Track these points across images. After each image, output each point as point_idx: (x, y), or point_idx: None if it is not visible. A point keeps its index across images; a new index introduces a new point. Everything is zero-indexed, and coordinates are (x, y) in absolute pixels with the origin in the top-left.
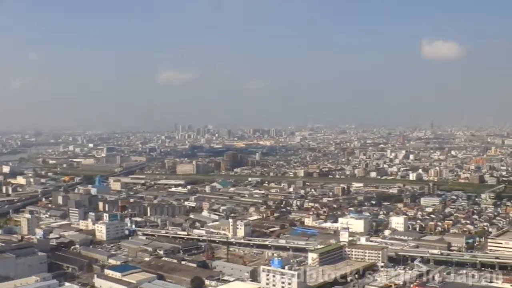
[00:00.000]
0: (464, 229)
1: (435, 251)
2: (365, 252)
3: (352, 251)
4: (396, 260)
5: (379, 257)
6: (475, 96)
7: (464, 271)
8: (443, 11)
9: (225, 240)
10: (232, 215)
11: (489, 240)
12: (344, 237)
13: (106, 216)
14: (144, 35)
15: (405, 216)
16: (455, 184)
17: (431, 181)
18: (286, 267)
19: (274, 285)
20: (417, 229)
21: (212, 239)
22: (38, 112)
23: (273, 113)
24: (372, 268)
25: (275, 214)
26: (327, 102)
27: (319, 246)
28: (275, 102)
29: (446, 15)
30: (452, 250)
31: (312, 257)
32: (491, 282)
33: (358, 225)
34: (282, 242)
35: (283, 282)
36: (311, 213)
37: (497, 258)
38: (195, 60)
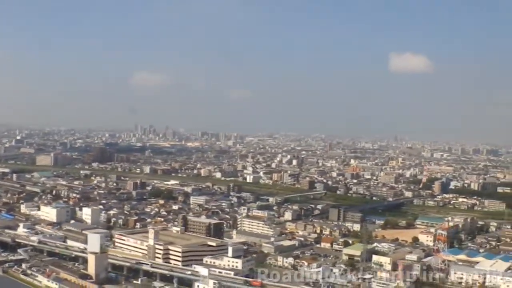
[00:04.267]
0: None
1: None
2: None
3: None
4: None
5: None
6: (445, 110)
7: None
8: (412, 25)
9: None
10: None
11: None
12: None
13: None
14: (124, 37)
15: (95, 208)
16: (286, 189)
17: (266, 184)
18: None
19: None
20: (121, 223)
21: None
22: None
23: (249, 121)
24: None
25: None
26: (303, 112)
27: None
28: (254, 110)
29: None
30: None
31: None
32: None
33: (52, 213)
34: None
35: None
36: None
37: None
38: (172, 65)
